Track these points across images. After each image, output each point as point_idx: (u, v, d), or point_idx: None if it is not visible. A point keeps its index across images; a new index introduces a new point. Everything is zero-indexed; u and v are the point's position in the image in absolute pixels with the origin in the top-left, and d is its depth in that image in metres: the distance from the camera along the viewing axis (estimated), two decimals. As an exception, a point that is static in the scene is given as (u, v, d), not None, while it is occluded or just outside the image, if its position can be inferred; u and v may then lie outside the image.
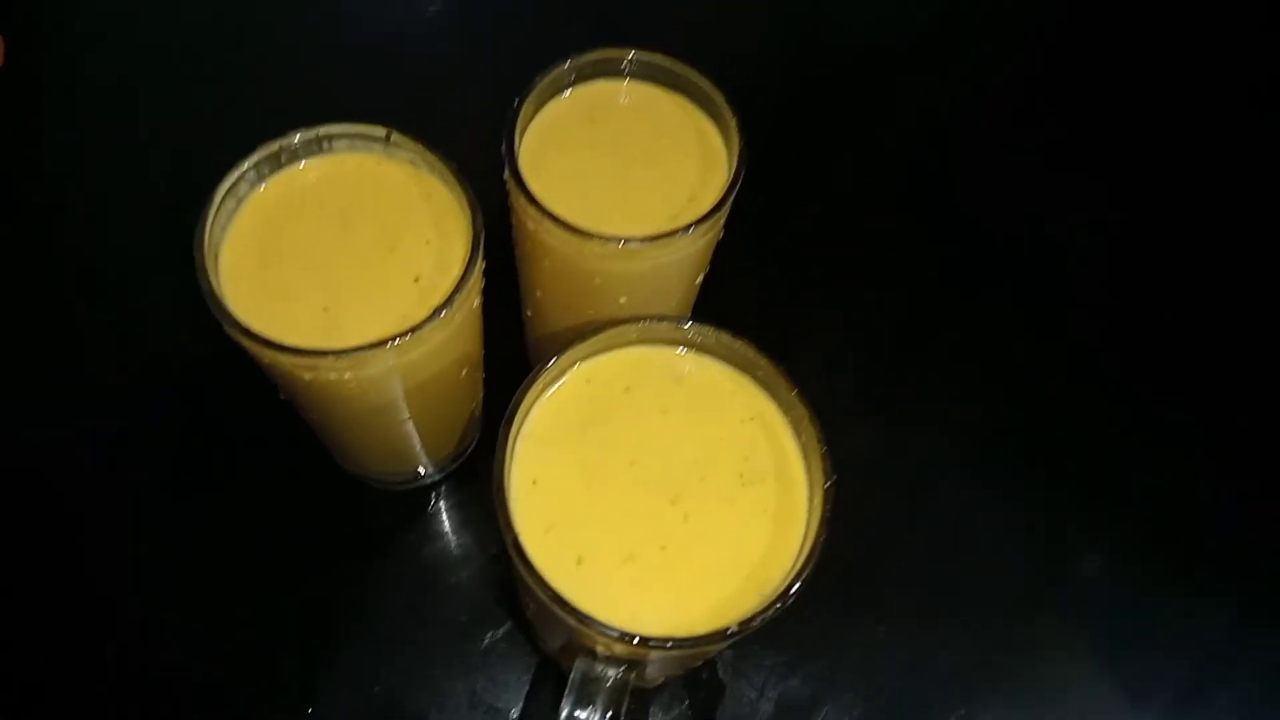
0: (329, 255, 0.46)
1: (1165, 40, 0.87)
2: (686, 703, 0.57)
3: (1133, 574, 0.62)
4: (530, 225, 0.48)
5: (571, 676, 0.39)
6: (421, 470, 0.60)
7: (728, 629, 0.37)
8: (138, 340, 0.66)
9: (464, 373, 0.50)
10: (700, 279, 0.55)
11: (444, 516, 0.61)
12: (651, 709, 0.56)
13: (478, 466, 0.62)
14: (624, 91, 0.53)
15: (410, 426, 0.52)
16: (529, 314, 0.59)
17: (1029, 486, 0.65)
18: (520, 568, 0.38)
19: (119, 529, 0.59)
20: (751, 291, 0.66)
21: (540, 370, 0.41)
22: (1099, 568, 0.63)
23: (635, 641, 0.36)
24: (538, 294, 0.54)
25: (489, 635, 0.57)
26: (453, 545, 0.61)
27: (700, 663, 0.52)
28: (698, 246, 0.49)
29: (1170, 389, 0.70)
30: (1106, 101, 0.85)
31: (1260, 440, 0.68)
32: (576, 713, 0.38)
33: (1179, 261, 0.77)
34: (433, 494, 0.61)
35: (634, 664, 0.39)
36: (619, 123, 0.53)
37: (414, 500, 0.61)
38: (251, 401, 0.61)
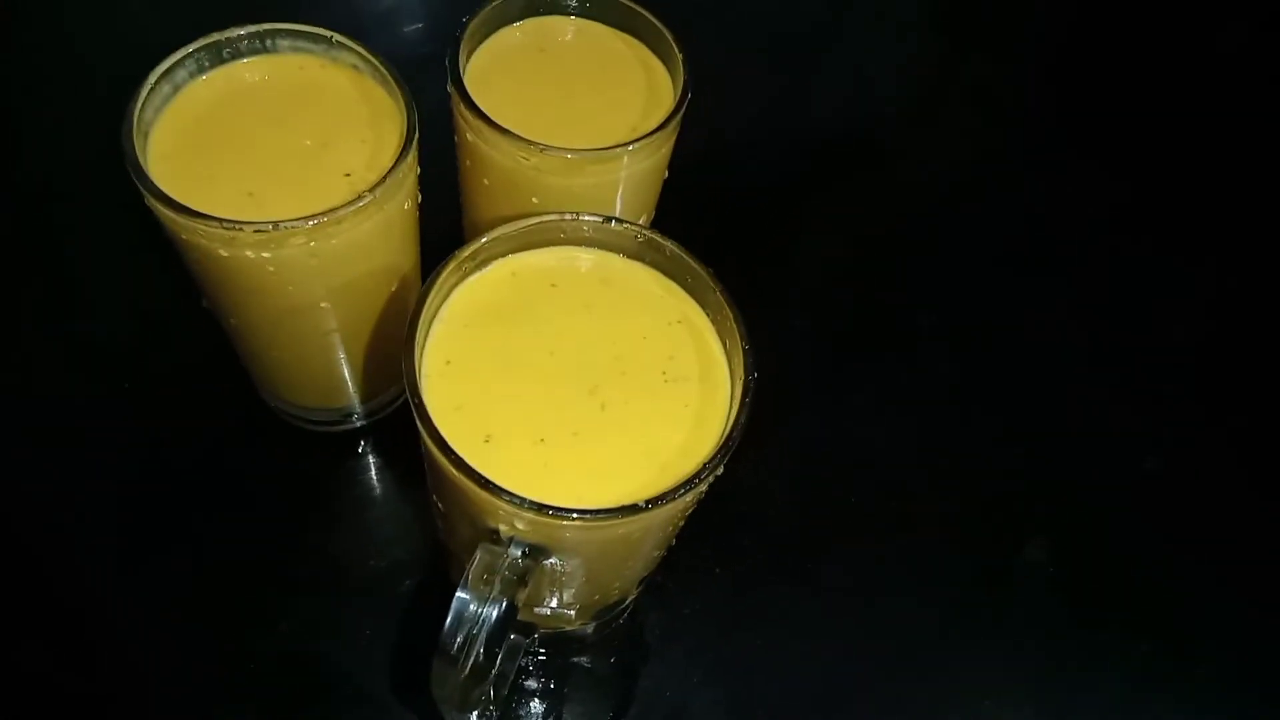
0: (260, 146, 0.46)
1: (1147, 123, 0.89)
2: (612, 660, 0.54)
3: (1080, 561, 0.61)
4: (470, 137, 0.48)
5: (471, 559, 0.37)
6: (354, 411, 0.58)
7: (636, 504, 0.35)
8: (56, 248, 0.65)
9: (394, 285, 0.49)
10: (645, 219, 0.55)
11: (373, 463, 0.59)
12: (573, 668, 0.53)
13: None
14: (576, 27, 0.54)
15: (336, 342, 0.50)
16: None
17: (980, 468, 0.64)
18: (426, 439, 0.36)
19: (19, 460, 0.57)
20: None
21: (463, 253, 0.40)
22: (1046, 552, 0.61)
23: (540, 510, 0.34)
24: (476, 215, 0.53)
25: (407, 581, 0.55)
26: (379, 493, 0.59)
27: (616, 598, 0.50)
28: (641, 168, 0.49)
29: (1127, 380, 0.70)
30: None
31: (1213, 431, 0.67)
32: (470, 595, 0.36)
33: (1139, 257, 0.77)
34: (363, 440, 0.59)
35: (536, 550, 0.37)
36: (568, 55, 0.53)
37: (343, 443, 0.59)
38: (173, 326, 0.60)
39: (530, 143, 0.45)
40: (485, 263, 0.42)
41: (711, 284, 0.41)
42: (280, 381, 0.55)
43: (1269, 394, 0.70)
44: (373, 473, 0.59)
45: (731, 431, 0.38)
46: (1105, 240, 0.78)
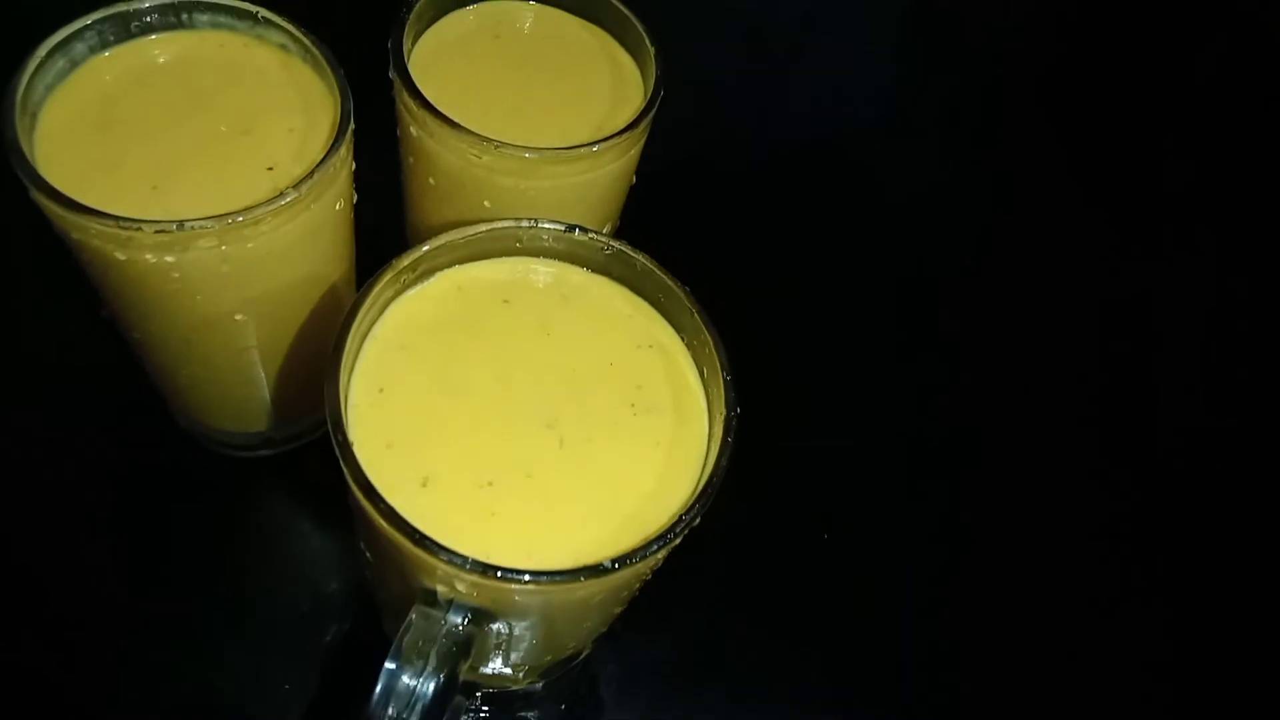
0: (169, 133, 0.40)
1: (1131, 128, 0.86)
2: (563, 709, 0.49)
3: (1072, 592, 0.57)
4: (414, 131, 0.42)
5: (404, 625, 0.31)
6: (273, 437, 0.52)
7: (600, 565, 0.30)
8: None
9: (322, 298, 0.43)
10: (609, 230, 0.50)
11: (297, 493, 0.53)
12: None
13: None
14: (535, 14, 0.48)
15: (254, 360, 0.44)
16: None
17: (969, 514, 0.59)
18: (351, 483, 0.30)
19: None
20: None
21: (401, 262, 0.34)
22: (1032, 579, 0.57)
23: (484, 571, 0.29)
24: (420, 220, 0.48)
25: (333, 627, 0.48)
26: (304, 527, 0.53)
27: (571, 650, 0.44)
28: (606, 172, 0.44)
29: (1119, 393, 0.66)
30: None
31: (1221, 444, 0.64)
32: (400, 667, 0.30)
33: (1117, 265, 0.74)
34: (286, 467, 0.53)
35: (480, 614, 0.32)
36: (527, 44, 0.48)
37: (263, 470, 0.53)
38: (72, 333, 0.53)
39: (482, 139, 0.40)
40: (427, 274, 0.37)
41: (688, 304, 0.36)
42: (190, 401, 0.49)
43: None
44: (297, 504, 0.53)
45: (711, 477, 0.33)
46: (1090, 245, 0.74)
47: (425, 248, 0.35)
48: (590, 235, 0.37)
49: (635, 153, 0.45)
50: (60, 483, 0.50)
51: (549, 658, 0.41)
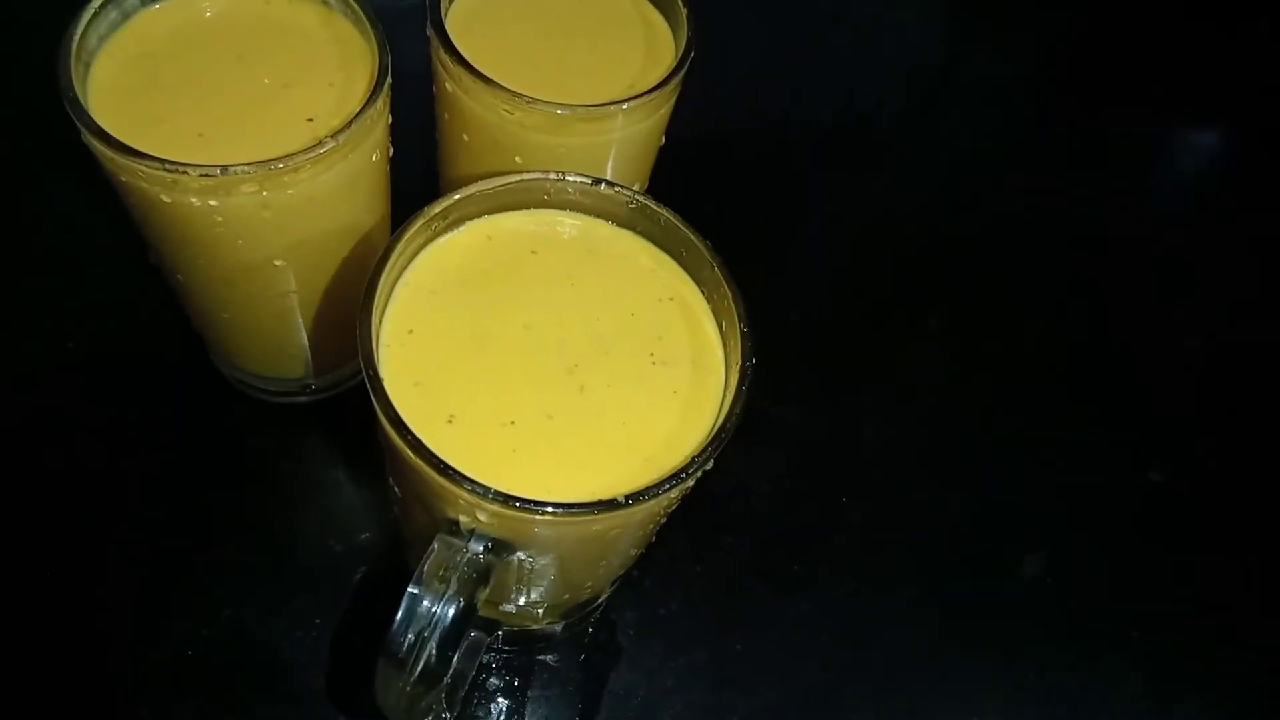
0: (215, 85, 0.41)
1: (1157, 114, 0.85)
2: (581, 660, 0.50)
3: (1081, 576, 0.57)
4: (449, 87, 0.44)
5: (427, 552, 0.33)
6: (311, 383, 0.54)
7: (615, 499, 0.31)
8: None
9: (358, 246, 0.45)
10: (638, 189, 0.51)
11: (332, 439, 0.55)
12: (538, 668, 0.49)
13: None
14: (571, -26, 0.49)
15: (293, 305, 0.46)
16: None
17: (981, 472, 0.60)
18: (381, 417, 0.32)
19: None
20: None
21: (432, 210, 0.36)
22: (1044, 566, 0.57)
23: (506, 501, 0.30)
24: (454, 174, 0.49)
25: (362, 568, 0.50)
26: (337, 472, 0.55)
27: (588, 597, 0.46)
28: (636, 131, 0.45)
29: (1135, 385, 0.66)
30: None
31: (1221, 445, 0.64)
32: (422, 592, 0.32)
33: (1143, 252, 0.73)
34: (323, 414, 0.55)
35: (499, 545, 0.33)
36: (562, 3, 0.49)
37: (301, 416, 0.55)
38: (121, 282, 0.56)
39: (515, 94, 0.41)
40: (458, 223, 0.38)
41: (709, 258, 0.37)
42: (232, 347, 0.51)
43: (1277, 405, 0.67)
44: (331, 450, 0.55)
45: (725, 422, 0.34)
46: (1116, 240, 0.74)
47: (456, 196, 0.36)
48: (616, 189, 0.38)
49: (665, 112, 0.46)
50: (105, 422, 0.53)
51: (567, 597, 0.43)
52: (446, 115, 0.46)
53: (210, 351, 0.53)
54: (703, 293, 0.39)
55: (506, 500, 0.30)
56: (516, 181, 0.37)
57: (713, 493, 0.56)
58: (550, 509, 0.31)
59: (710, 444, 0.33)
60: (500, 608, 0.43)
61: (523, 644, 0.50)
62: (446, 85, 0.44)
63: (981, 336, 0.67)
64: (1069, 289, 0.71)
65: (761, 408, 0.59)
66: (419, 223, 0.36)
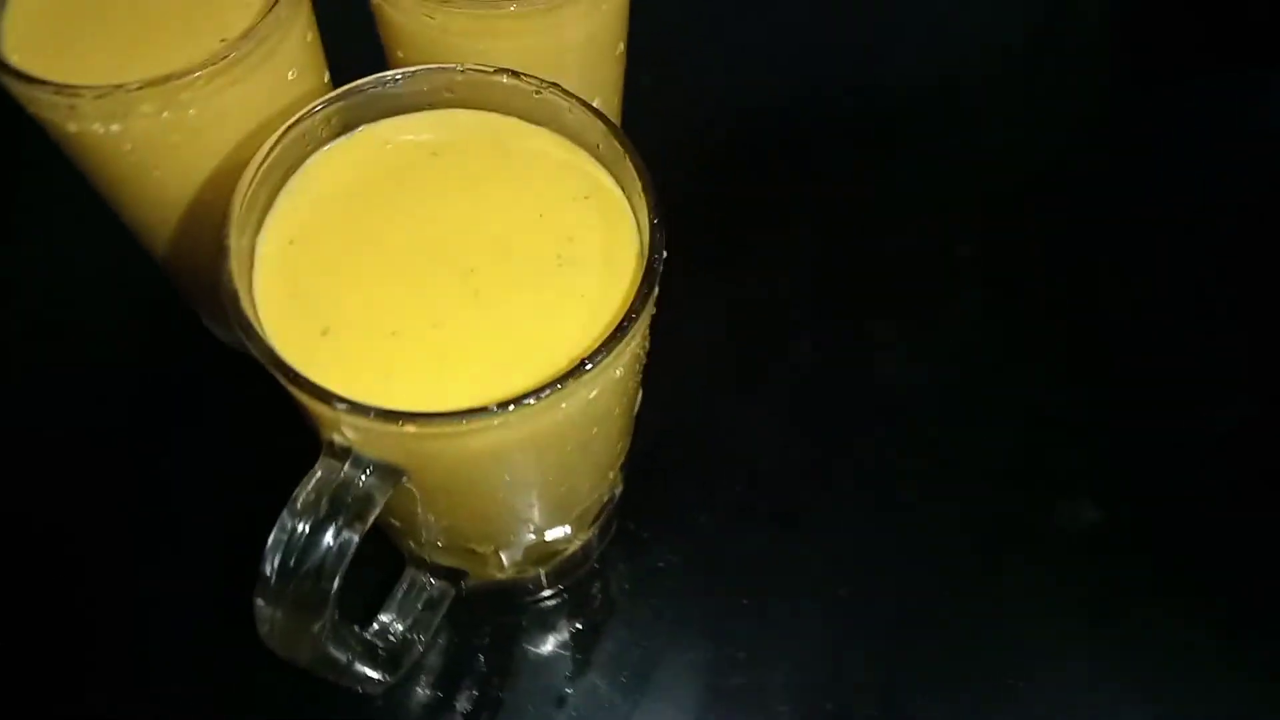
0: (131, 12, 0.40)
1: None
2: (566, 616, 0.47)
3: (1124, 528, 0.49)
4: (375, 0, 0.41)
5: (307, 474, 0.30)
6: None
7: (485, 407, 0.27)
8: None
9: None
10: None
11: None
12: (516, 626, 0.46)
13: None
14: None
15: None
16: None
17: (1016, 413, 0.53)
18: (242, 335, 0.29)
19: None
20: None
21: (313, 111, 0.33)
22: (1085, 519, 0.50)
23: (360, 412, 0.27)
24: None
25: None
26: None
27: (556, 544, 0.42)
28: (576, 32, 0.41)
29: (1199, 326, 0.57)
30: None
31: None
32: (293, 518, 0.29)
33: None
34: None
35: (385, 469, 0.30)
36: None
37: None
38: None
39: None
40: (350, 127, 0.35)
41: (620, 148, 0.33)
42: (197, 297, 0.50)
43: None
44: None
45: (623, 322, 0.30)
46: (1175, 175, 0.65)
47: (339, 94, 0.33)
48: (522, 78, 0.34)
49: (612, 9, 0.42)
50: (93, 391, 0.53)
51: (512, 537, 0.40)
52: (382, 33, 0.43)
53: (201, 314, 0.52)
54: (623, 189, 0.35)
55: (359, 410, 0.27)
56: (412, 73, 0.34)
57: (715, 435, 0.52)
58: (409, 419, 0.27)
59: (604, 344, 0.29)
60: (437, 547, 0.40)
61: (502, 597, 0.47)
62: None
63: (1022, 264, 0.59)
64: (1120, 209, 0.62)
65: (768, 345, 0.54)
66: (301, 126, 0.33)
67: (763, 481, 0.51)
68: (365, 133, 0.35)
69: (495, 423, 0.28)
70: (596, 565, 0.48)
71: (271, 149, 0.32)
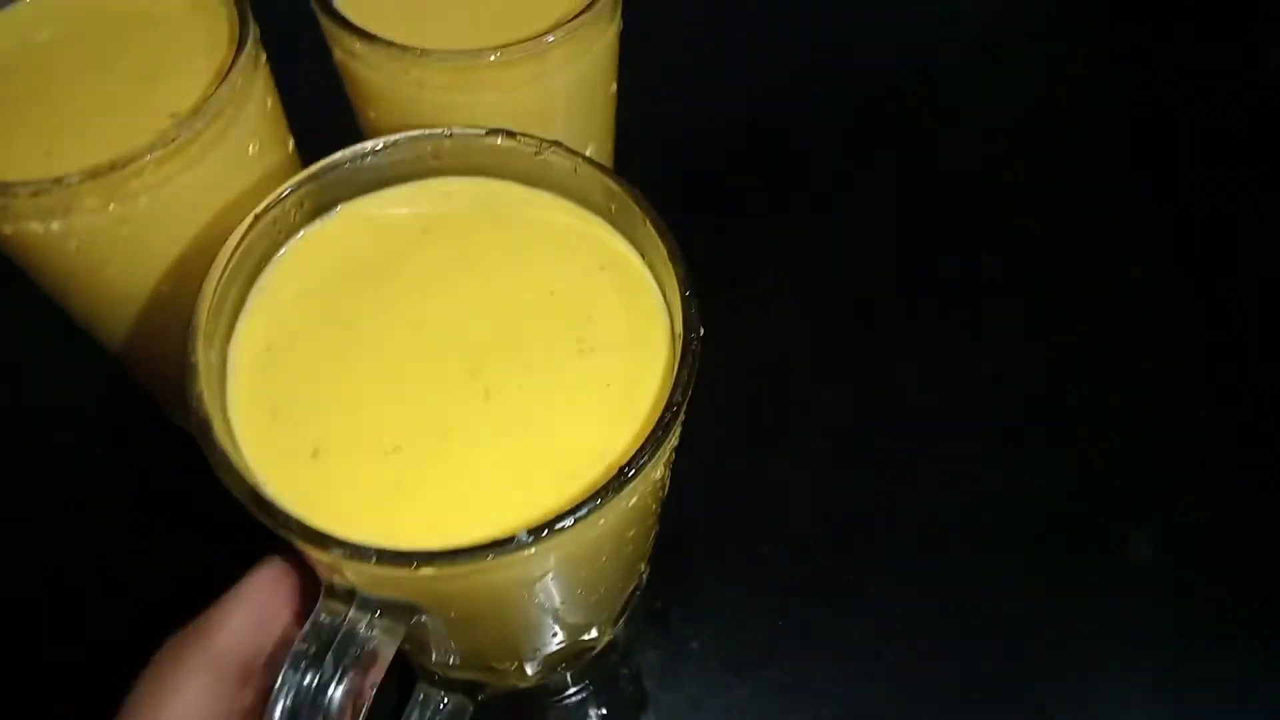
0: (67, 93, 0.36)
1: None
2: (599, 712, 0.43)
3: (1190, 560, 0.46)
4: (340, 55, 0.37)
5: (307, 622, 0.26)
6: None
7: (511, 538, 0.23)
8: None
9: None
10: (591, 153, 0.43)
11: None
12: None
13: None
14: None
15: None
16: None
17: (1062, 449, 0.50)
18: (217, 471, 0.25)
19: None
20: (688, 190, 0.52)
21: (283, 194, 0.29)
22: (1149, 552, 0.46)
23: (361, 556, 0.23)
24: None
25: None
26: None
27: (578, 644, 0.38)
28: (566, 77, 0.37)
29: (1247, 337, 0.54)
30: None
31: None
32: (293, 673, 0.25)
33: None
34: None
35: (395, 608, 0.26)
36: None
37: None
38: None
39: (404, 48, 0.34)
40: (327, 207, 0.31)
41: (639, 210, 0.29)
42: (161, 394, 0.45)
43: None
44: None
45: (664, 417, 0.26)
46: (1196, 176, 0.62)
47: (314, 171, 0.29)
48: (519, 138, 0.30)
49: (604, 49, 0.38)
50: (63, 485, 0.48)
51: (536, 649, 0.35)
52: (351, 94, 0.39)
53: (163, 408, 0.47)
54: (644, 258, 0.30)
55: (358, 554, 0.23)
56: (389, 145, 0.30)
57: (740, 498, 0.48)
58: (420, 560, 0.23)
59: (644, 447, 0.25)
60: (468, 668, 0.35)
61: (525, 701, 0.42)
62: (338, 55, 0.37)
63: (1053, 279, 0.56)
64: (1147, 222, 0.59)
65: (791, 398, 0.50)
66: (270, 214, 0.29)
67: (795, 541, 0.46)
68: (344, 213, 0.31)
69: (526, 555, 0.24)
70: (622, 653, 0.44)
71: (239, 242, 0.28)
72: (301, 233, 0.30)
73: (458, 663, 0.34)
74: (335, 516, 0.25)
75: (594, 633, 0.37)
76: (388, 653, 0.26)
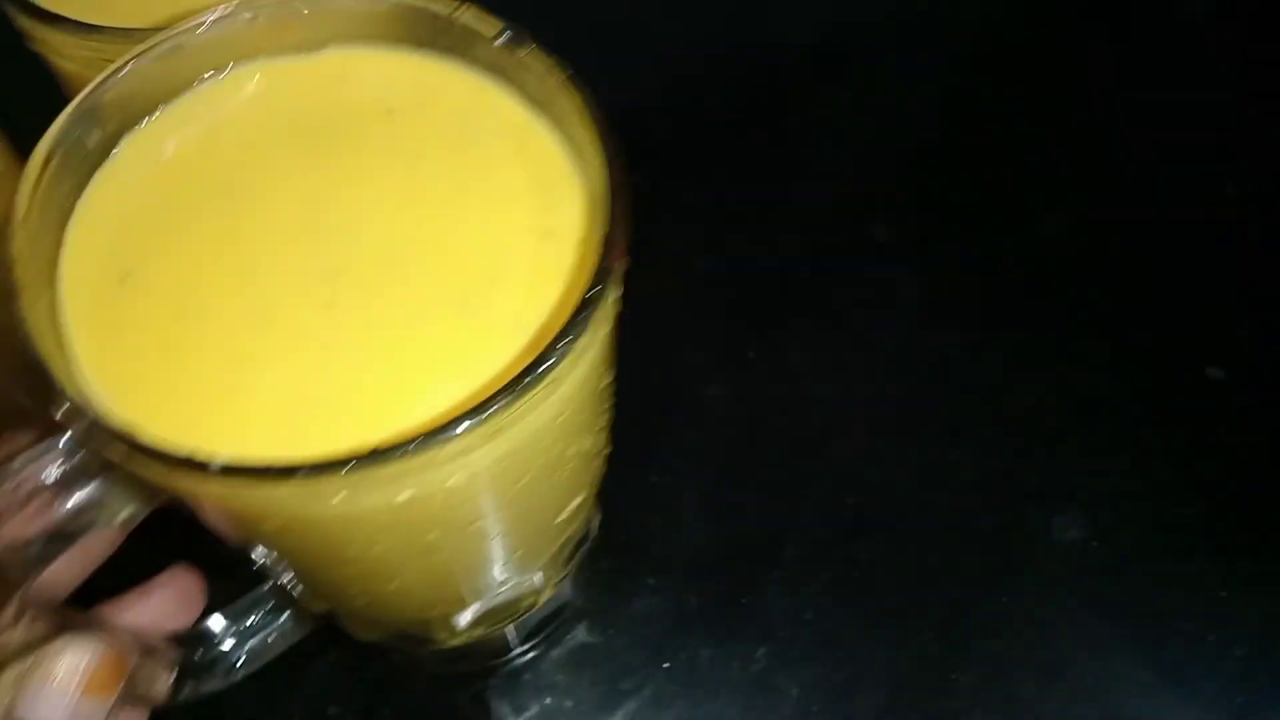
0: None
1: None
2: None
3: (1123, 536, 0.42)
4: (35, 49, 0.30)
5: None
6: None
7: (373, 450, 0.18)
8: None
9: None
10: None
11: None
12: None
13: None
14: None
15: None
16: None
17: (1001, 431, 0.44)
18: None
19: None
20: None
21: (106, 85, 0.23)
22: (1082, 529, 0.42)
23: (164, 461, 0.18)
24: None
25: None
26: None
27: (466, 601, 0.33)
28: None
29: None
30: None
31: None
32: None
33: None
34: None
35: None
36: None
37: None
38: None
39: (94, 29, 0.27)
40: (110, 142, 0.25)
41: (557, 75, 0.24)
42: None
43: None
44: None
45: (594, 282, 0.21)
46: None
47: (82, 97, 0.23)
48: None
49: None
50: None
51: (443, 610, 0.30)
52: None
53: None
54: (542, 117, 0.25)
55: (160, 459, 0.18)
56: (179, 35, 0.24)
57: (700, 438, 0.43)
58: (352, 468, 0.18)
59: (574, 318, 0.20)
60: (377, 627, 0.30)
61: (463, 662, 0.37)
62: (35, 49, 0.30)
63: (963, 243, 0.50)
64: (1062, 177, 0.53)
65: (689, 384, 0.44)
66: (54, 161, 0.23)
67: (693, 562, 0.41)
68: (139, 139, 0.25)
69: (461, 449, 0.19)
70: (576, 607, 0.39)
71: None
72: (131, 133, 0.24)
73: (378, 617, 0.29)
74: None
75: (536, 579, 0.32)
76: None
